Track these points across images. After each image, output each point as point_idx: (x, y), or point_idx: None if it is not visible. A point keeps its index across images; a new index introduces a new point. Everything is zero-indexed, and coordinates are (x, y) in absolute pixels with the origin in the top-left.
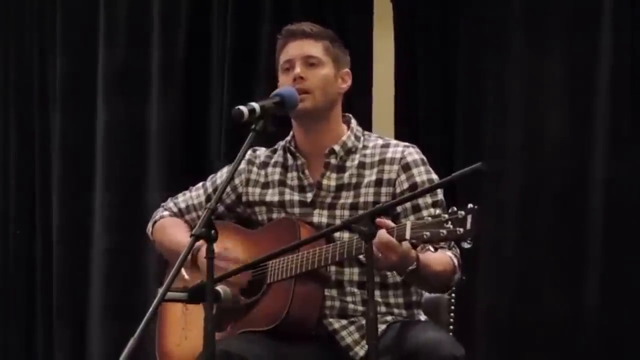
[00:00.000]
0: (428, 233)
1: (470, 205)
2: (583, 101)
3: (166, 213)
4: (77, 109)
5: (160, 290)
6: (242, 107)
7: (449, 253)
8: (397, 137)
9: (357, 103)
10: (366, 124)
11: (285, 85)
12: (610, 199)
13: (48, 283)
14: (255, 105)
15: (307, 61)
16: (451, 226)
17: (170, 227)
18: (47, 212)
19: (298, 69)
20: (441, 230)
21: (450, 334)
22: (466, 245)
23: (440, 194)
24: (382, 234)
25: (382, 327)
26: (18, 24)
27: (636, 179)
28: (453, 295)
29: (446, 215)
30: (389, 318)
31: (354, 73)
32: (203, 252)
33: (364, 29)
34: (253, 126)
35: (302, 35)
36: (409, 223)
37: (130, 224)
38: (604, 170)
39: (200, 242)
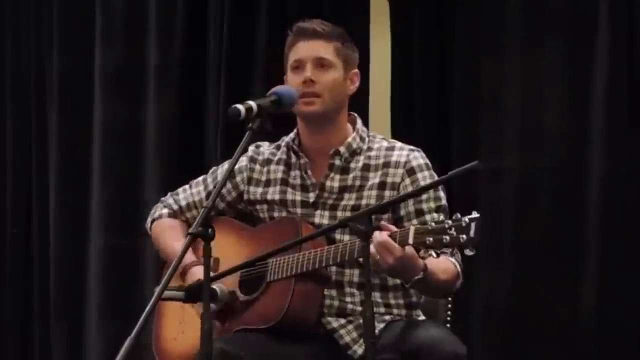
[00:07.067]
0: (431, 239)
1: (474, 213)
2: (580, 100)
3: (165, 211)
4: (73, 108)
5: (157, 290)
6: (238, 106)
7: (452, 259)
8: (393, 136)
9: (354, 102)
10: (363, 124)
11: (293, 84)
12: (606, 196)
13: (45, 282)
14: (252, 103)
15: (317, 63)
16: (454, 233)
17: (167, 231)
18: (44, 211)
19: (308, 72)
20: (444, 237)
21: None
22: (468, 252)
23: (443, 199)
24: (379, 234)
25: (380, 325)
26: (15, 23)
27: (632, 177)
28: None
29: (450, 222)
30: (387, 317)
31: None
32: (194, 272)
33: (360, 28)
34: (250, 125)
35: (313, 35)
36: (412, 228)
37: (127, 223)
38: (600, 168)
39: (192, 266)
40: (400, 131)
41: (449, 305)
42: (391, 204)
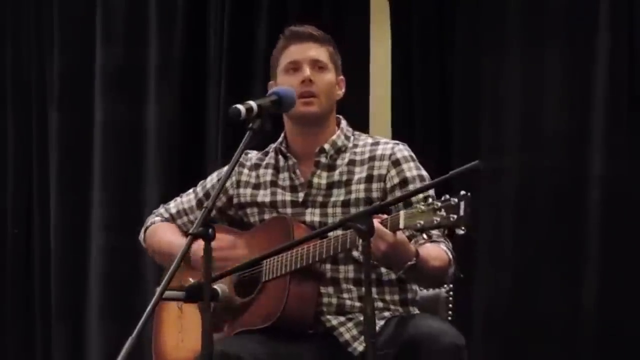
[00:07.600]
0: (422, 221)
1: (462, 192)
2: (580, 100)
3: (157, 219)
4: (74, 108)
5: (158, 290)
6: (239, 106)
7: (444, 247)
8: (394, 137)
9: (354, 103)
10: (363, 125)
11: (290, 86)
12: (607, 196)
13: (46, 282)
14: (252, 103)
15: (315, 65)
16: (444, 213)
17: (160, 230)
18: (44, 211)
19: (307, 72)
20: (435, 218)
21: None
22: (460, 231)
23: (431, 191)
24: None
25: (380, 322)
26: (15, 23)
27: (633, 176)
28: (451, 292)
29: (439, 203)
30: (386, 314)
31: (352, 73)
32: (196, 251)
33: (361, 29)
34: (250, 125)
35: (308, 38)
36: (402, 212)
37: (127, 223)
38: (601, 168)
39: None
40: (400, 131)
41: (450, 305)
42: (392, 203)
